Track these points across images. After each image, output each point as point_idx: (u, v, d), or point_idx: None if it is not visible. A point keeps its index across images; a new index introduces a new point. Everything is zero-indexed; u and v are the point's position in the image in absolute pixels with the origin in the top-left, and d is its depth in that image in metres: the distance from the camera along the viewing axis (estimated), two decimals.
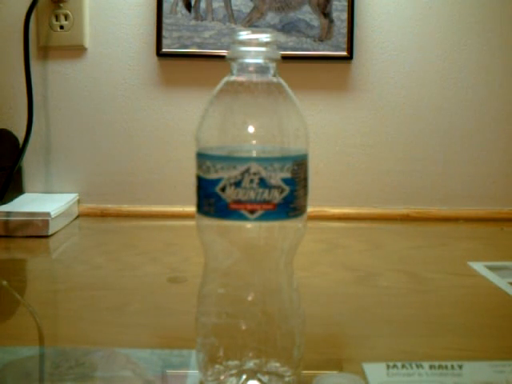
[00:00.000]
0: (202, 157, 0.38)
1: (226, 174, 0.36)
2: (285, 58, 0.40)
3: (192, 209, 0.40)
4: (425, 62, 0.98)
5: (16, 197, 0.94)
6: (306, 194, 0.39)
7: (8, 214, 0.84)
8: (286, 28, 0.95)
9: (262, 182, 0.36)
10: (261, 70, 0.39)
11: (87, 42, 0.98)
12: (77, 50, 0.98)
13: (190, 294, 0.44)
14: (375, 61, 0.98)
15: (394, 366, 0.44)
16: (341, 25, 0.95)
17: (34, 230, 0.83)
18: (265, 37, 0.39)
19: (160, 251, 0.79)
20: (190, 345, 0.43)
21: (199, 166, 0.38)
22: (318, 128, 0.98)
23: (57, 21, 0.96)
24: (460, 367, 0.44)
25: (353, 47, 0.96)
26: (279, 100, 0.39)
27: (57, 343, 0.51)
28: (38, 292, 0.64)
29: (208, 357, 0.40)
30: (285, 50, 0.94)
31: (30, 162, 0.98)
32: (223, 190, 0.37)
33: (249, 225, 0.37)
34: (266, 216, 0.37)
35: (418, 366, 0.44)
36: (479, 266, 0.72)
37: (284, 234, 0.39)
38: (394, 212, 0.99)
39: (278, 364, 0.39)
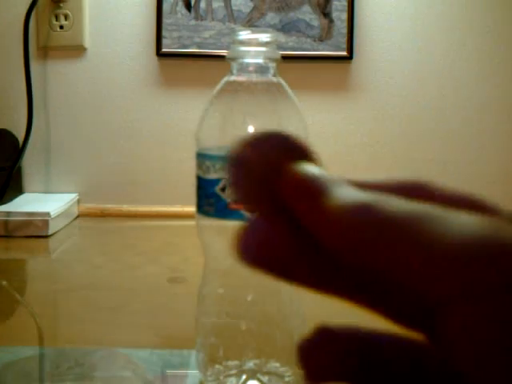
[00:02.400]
0: (201, 157, 0.38)
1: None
2: (285, 57, 0.40)
3: (192, 209, 0.40)
4: (425, 61, 0.98)
5: (16, 197, 0.94)
6: None
7: (8, 213, 0.84)
8: (285, 28, 0.95)
9: None
10: (261, 69, 0.39)
11: (87, 42, 0.97)
12: (77, 50, 0.98)
13: (190, 294, 0.44)
14: (375, 61, 0.98)
15: None
16: (341, 25, 0.95)
17: (34, 229, 0.83)
18: (265, 37, 0.39)
19: (160, 251, 0.79)
20: (190, 345, 0.43)
21: (199, 166, 0.38)
22: (318, 128, 0.98)
23: (57, 21, 0.96)
24: None
25: (353, 47, 0.96)
26: (279, 100, 0.39)
27: (57, 343, 0.51)
28: (38, 292, 0.64)
29: (208, 357, 0.40)
30: (285, 50, 0.94)
31: (29, 162, 0.98)
32: (223, 190, 0.37)
33: None
34: None
35: None
36: None
37: None
38: None
39: (277, 364, 0.39)
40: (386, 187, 0.19)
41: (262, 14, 0.95)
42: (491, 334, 0.14)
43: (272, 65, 0.39)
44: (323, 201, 0.17)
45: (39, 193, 0.99)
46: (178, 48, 0.95)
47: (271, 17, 0.95)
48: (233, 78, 0.39)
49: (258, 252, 0.17)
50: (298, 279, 0.18)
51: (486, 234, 0.15)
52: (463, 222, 0.15)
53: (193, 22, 0.95)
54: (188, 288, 0.63)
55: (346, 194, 0.17)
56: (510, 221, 0.18)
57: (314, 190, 0.17)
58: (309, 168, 0.18)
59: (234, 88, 0.39)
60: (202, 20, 0.95)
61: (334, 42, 0.95)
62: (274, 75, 0.39)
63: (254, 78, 0.39)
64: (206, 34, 0.95)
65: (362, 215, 0.16)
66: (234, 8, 0.95)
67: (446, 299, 0.15)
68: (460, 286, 0.14)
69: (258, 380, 0.39)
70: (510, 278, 0.14)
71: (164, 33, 0.95)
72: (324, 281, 0.18)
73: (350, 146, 0.99)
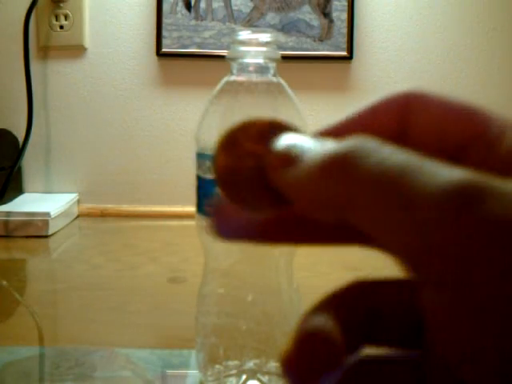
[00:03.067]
0: (201, 157, 0.38)
1: None
2: (285, 57, 0.40)
3: (192, 209, 0.40)
4: (425, 61, 0.98)
5: (16, 197, 0.94)
6: None
7: (8, 213, 0.84)
8: (286, 28, 0.95)
9: None
10: (261, 69, 0.39)
11: (87, 42, 0.97)
12: (77, 50, 0.98)
13: (190, 294, 0.44)
14: (375, 61, 0.98)
15: None
16: (341, 25, 0.95)
17: (34, 229, 0.83)
18: (265, 37, 0.39)
19: (160, 251, 0.79)
20: (190, 345, 0.43)
21: (199, 166, 0.38)
22: (318, 128, 0.98)
23: (57, 21, 0.96)
24: None
25: (353, 47, 0.96)
26: (279, 100, 0.39)
27: (57, 343, 0.51)
28: (38, 292, 0.64)
29: (208, 357, 0.40)
30: (285, 50, 0.94)
31: (30, 162, 0.98)
32: None
33: None
34: None
35: None
36: None
37: None
38: None
39: (278, 364, 0.39)
40: (377, 113, 0.18)
41: (262, 14, 0.95)
42: (460, 322, 0.13)
43: (272, 65, 0.39)
44: (297, 164, 0.16)
45: (39, 193, 0.99)
46: (178, 48, 0.95)
47: (271, 17, 0.95)
48: (233, 77, 0.39)
49: (233, 228, 0.17)
50: (279, 240, 0.18)
51: (462, 202, 0.13)
52: (440, 180, 0.14)
53: (193, 22, 0.95)
54: (188, 288, 0.63)
55: (319, 151, 0.16)
56: (501, 168, 0.16)
57: (290, 156, 0.16)
58: (287, 138, 0.17)
59: (234, 88, 0.39)
60: (201, 20, 0.95)
61: (333, 41, 0.95)
62: (274, 75, 0.39)
63: (254, 78, 0.39)
64: (206, 34, 0.95)
65: (333, 177, 0.15)
66: (234, 8, 0.95)
67: (420, 282, 0.14)
68: (434, 271, 0.14)
69: (258, 380, 0.39)
70: (483, 264, 0.13)
71: (164, 33, 0.95)
72: (305, 236, 0.18)
73: None
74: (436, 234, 0.13)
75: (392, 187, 0.14)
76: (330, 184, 0.15)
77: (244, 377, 0.39)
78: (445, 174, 0.14)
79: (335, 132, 0.18)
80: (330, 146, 0.16)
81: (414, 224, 0.14)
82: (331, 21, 0.95)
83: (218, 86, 0.39)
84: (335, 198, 0.15)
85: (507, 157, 0.17)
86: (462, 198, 0.13)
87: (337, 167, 0.15)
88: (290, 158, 0.16)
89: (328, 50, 0.95)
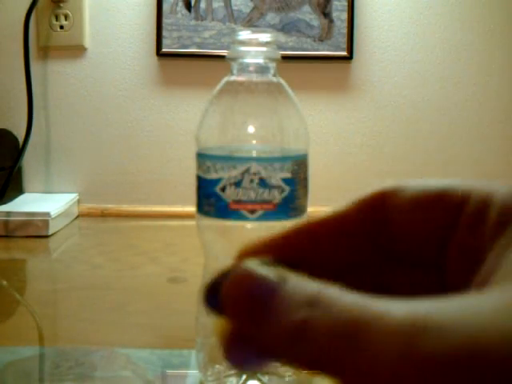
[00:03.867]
0: (202, 157, 0.38)
1: (226, 174, 0.36)
2: (285, 57, 0.40)
3: (192, 209, 0.40)
4: (425, 61, 0.98)
5: (16, 197, 0.94)
6: (306, 194, 0.39)
7: (8, 213, 0.84)
8: (285, 28, 0.95)
9: (262, 182, 0.36)
10: (261, 69, 0.39)
11: (87, 42, 0.97)
12: (77, 50, 0.98)
13: (190, 294, 0.44)
14: (375, 61, 0.98)
15: None
16: (341, 25, 0.95)
17: (34, 229, 0.83)
18: (265, 37, 0.39)
19: (160, 251, 0.79)
20: (190, 345, 0.43)
21: (199, 166, 0.38)
22: (318, 128, 0.98)
23: (57, 21, 0.96)
24: None
25: (353, 47, 0.96)
26: (279, 100, 0.39)
27: (57, 343, 0.51)
28: (38, 292, 0.64)
29: (208, 357, 0.40)
30: (285, 50, 0.94)
31: (30, 162, 0.98)
32: (223, 189, 0.37)
33: (249, 225, 0.37)
34: (266, 216, 0.37)
35: None
36: None
37: None
38: None
39: (277, 364, 0.39)
40: (348, 219, 0.19)
41: (262, 14, 0.95)
42: None
43: (272, 65, 0.39)
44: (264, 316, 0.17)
45: (39, 193, 0.99)
46: (178, 48, 0.95)
47: (271, 17, 0.95)
48: (233, 78, 0.39)
49: (244, 359, 0.18)
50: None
51: (403, 343, 0.13)
52: (393, 326, 0.14)
53: (193, 22, 0.95)
54: (188, 288, 0.63)
55: (287, 306, 0.16)
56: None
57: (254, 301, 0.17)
58: (253, 268, 0.18)
59: (234, 88, 0.39)
60: (202, 20, 0.95)
61: (333, 41, 0.95)
62: (274, 75, 0.39)
63: (254, 77, 0.39)
64: (206, 34, 0.95)
65: (298, 337, 0.16)
66: (234, 8, 0.95)
67: None
68: None
69: (258, 380, 0.39)
70: None
71: (164, 33, 0.95)
72: None
73: (350, 146, 0.99)
74: (387, 373, 0.14)
75: (344, 336, 0.15)
76: (297, 346, 0.16)
77: (244, 377, 0.39)
78: (385, 315, 0.14)
79: (311, 235, 0.19)
80: (298, 300, 0.16)
81: (365, 369, 0.14)
82: (331, 21, 0.95)
83: (218, 86, 0.39)
84: (302, 357, 0.16)
85: (496, 221, 0.18)
86: (404, 337, 0.14)
87: (297, 333, 0.16)
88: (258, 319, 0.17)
89: (328, 50, 0.95)
